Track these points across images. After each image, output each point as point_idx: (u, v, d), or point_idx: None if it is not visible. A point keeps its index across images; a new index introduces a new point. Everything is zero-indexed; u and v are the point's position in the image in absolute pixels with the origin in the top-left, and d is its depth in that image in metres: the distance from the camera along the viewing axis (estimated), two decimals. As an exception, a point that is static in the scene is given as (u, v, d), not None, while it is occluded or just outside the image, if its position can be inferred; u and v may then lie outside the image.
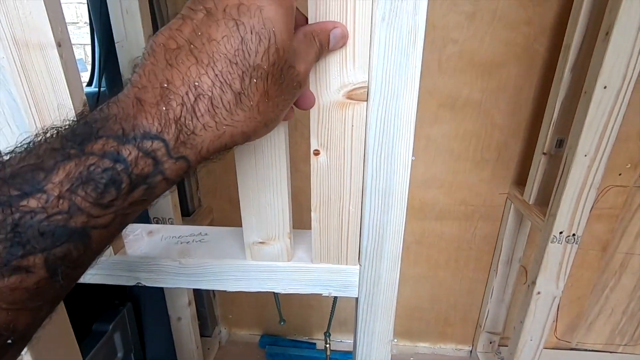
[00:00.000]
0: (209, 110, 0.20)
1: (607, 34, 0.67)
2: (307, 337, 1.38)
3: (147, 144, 0.19)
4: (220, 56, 0.20)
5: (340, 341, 1.35)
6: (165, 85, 0.20)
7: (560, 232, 0.84)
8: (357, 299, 0.38)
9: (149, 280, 0.39)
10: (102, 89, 0.99)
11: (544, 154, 0.90)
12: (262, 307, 1.33)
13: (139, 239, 0.42)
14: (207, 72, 0.20)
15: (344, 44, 0.27)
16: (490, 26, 0.92)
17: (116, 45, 0.75)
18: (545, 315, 0.93)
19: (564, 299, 1.19)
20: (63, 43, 0.30)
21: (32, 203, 0.17)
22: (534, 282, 0.91)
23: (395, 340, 1.35)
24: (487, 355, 1.27)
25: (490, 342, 1.27)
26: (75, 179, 0.18)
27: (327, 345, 0.87)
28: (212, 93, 0.20)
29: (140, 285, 0.40)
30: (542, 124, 0.91)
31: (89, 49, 1.17)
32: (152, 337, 1.12)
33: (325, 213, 0.34)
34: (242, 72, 0.20)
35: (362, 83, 0.29)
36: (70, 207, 0.18)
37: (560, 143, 0.88)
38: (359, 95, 0.29)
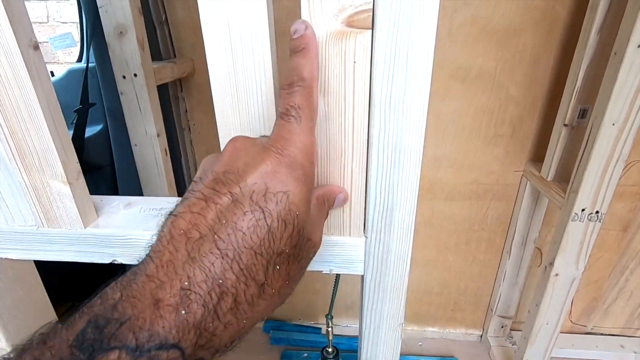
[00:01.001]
0: (231, 308, 0.19)
1: (643, -15, 0.60)
2: (312, 321, 1.35)
3: (163, 355, 0.17)
4: (246, 249, 0.19)
5: (347, 326, 1.31)
6: (187, 283, 0.18)
7: (582, 210, 0.78)
8: (362, 276, 0.33)
9: (126, 257, 0.34)
10: (90, 64, 0.93)
11: (565, 125, 0.83)
12: (266, 292, 1.30)
13: (115, 211, 0.37)
14: (231, 268, 0.19)
15: (343, 205, 0.29)
16: (507, -13, 0.85)
17: (99, 10, 0.69)
18: (563, 298, 0.88)
19: (580, 281, 1.13)
20: None
21: None
22: (551, 264, 0.85)
23: (403, 324, 1.31)
24: (499, 340, 1.23)
25: (502, 327, 1.22)
26: None
27: (329, 329, 0.82)
28: (237, 290, 0.19)
29: (116, 262, 0.35)
30: (564, 93, 0.84)
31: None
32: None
33: (325, 172, 0.29)
34: (267, 262, 0.19)
35: (366, 5, 0.23)
36: None
37: (583, 113, 0.81)
38: (362, 21, 0.23)
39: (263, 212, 0.19)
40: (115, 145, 1.00)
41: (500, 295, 1.17)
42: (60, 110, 0.32)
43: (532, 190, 1.00)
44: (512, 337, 1.24)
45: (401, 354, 1.25)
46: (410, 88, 0.25)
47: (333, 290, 0.77)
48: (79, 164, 0.33)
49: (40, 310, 0.46)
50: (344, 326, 1.31)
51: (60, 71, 1.22)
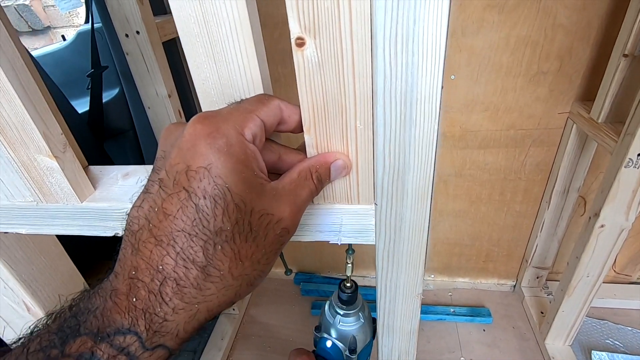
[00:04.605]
0: (176, 292, 0.19)
1: None
2: (341, 273, 1.37)
3: (120, 340, 0.18)
4: (178, 232, 0.19)
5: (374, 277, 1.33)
6: (134, 273, 0.19)
7: (639, 155, 0.68)
8: (375, 246, 0.30)
9: (127, 230, 0.33)
10: (95, 24, 0.90)
11: (625, 56, 0.71)
12: (296, 246, 1.32)
13: (112, 182, 0.35)
14: (168, 253, 0.19)
15: (347, 174, 0.26)
16: None
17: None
18: (607, 250, 0.82)
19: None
20: None
21: None
22: (597, 214, 0.78)
23: (433, 276, 1.31)
24: (533, 290, 1.20)
25: (537, 277, 1.18)
26: None
27: (350, 264, 0.81)
28: (177, 274, 0.19)
29: (118, 235, 0.34)
30: (626, 15, 0.70)
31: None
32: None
33: (323, 134, 0.24)
34: (204, 242, 0.19)
35: None
36: None
37: (649, 39, 0.68)
38: None
39: (187, 191, 0.19)
40: (133, 108, 0.99)
41: (537, 246, 1.11)
42: (36, 78, 0.29)
43: (579, 134, 0.90)
44: (547, 287, 1.20)
45: (430, 304, 1.25)
46: (421, 19, 0.20)
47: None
48: (63, 136, 0.31)
49: (67, 276, 0.47)
50: (372, 277, 1.33)
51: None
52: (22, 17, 2.16)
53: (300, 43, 0.21)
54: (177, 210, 0.19)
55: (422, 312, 1.22)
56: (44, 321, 0.21)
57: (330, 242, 0.29)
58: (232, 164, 0.19)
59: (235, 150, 0.20)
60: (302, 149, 0.26)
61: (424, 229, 0.27)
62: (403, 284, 0.31)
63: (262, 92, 0.24)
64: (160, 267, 0.19)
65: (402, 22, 0.20)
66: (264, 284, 1.39)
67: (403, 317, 0.33)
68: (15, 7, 2.14)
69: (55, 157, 0.30)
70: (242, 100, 0.22)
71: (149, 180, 0.21)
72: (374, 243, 0.29)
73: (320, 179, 0.24)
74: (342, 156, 0.25)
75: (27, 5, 2.16)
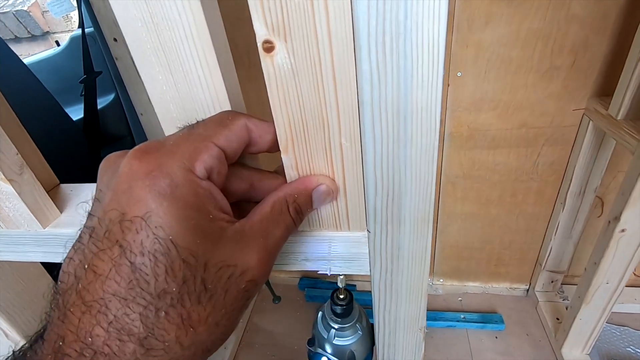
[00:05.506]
0: None
1: None
2: (348, 279, 1.33)
3: None
4: (110, 297, 0.15)
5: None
6: (60, 344, 0.16)
7: (663, 154, 0.63)
8: (371, 276, 0.26)
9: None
10: (87, 29, 0.87)
11: (647, 47, 0.65)
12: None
13: (82, 205, 0.32)
14: (99, 322, 0.15)
15: (332, 200, 0.22)
16: None
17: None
18: (629, 256, 0.76)
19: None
20: None
21: None
22: (617, 218, 0.73)
23: (441, 280, 1.26)
24: (548, 294, 1.14)
25: (552, 281, 1.13)
26: None
27: (342, 276, 0.77)
28: (110, 348, 0.15)
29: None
30: (647, 3, 0.65)
31: None
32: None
33: (303, 153, 0.21)
34: (143, 308, 0.15)
35: None
36: None
37: (674, 28, 0.62)
38: None
39: (121, 247, 0.15)
40: (129, 114, 0.97)
41: (551, 249, 1.06)
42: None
43: (596, 132, 0.84)
44: (562, 292, 1.14)
45: (439, 310, 1.19)
46: (414, 12, 0.16)
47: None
48: (19, 156, 0.28)
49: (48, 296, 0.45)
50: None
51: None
52: (21, 22, 2.16)
53: (269, 47, 0.18)
54: (109, 270, 0.15)
55: (430, 319, 1.17)
56: None
57: (319, 272, 0.26)
58: (178, 209, 0.16)
59: (182, 192, 0.16)
60: (280, 171, 0.22)
61: (425, 258, 0.24)
62: (403, 317, 0.27)
63: (228, 107, 0.20)
64: (90, 339, 0.15)
65: (390, 18, 0.16)
66: (267, 290, 1.37)
67: (405, 351, 0.30)
68: (13, 13, 2.14)
69: (9, 180, 0.27)
70: (197, 123, 0.18)
71: (83, 226, 0.17)
72: (368, 273, 0.25)
73: (300, 210, 0.20)
74: (326, 180, 0.21)
75: (25, 11, 2.16)
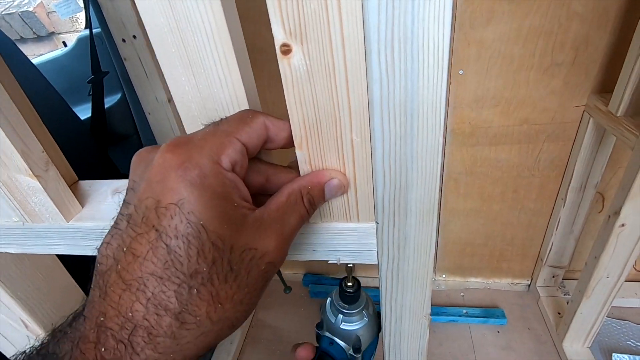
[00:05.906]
0: (148, 343, 0.17)
1: None
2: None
3: None
4: (148, 276, 0.17)
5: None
6: (102, 319, 0.17)
7: (663, 149, 0.64)
8: (378, 266, 0.27)
9: (116, 250, 0.31)
10: (95, 29, 0.89)
11: (646, 44, 0.66)
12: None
13: (101, 199, 0.34)
14: (138, 299, 0.17)
15: (343, 193, 0.23)
16: None
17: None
18: (628, 250, 0.78)
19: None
20: None
21: None
22: (617, 213, 0.74)
23: (444, 276, 1.28)
24: (549, 289, 1.16)
25: (554, 276, 1.14)
26: None
27: (351, 265, 0.79)
28: (148, 322, 0.17)
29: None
30: (647, 1, 0.66)
31: None
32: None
33: (317, 149, 0.22)
34: (177, 286, 0.17)
35: None
36: None
37: (673, 26, 0.63)
38: None
39: (157, 231, 0.17)
40: (135, 113, 0.99)
41: (553, 245, 1.07)
42: (13, 93, 0.27)
43: (596, 128, 0.85)
44: (564, 287, 1.16)
45: (442, 305, 1.21)
46: (421, 17, 0.17)
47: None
48: (45, 154, 0.29)
49: (65, 290, 0.46)
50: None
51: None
52: (26, 23, 2.18)
53: (286, 50, 0.19)
54: (147, 252, 0.17)
55: (433, 314, 1.19)
56: None
57: (329, 262, 0.27)
58: (207, 197, 0.17)
59: (211, 181, 0.18)
60: (294, 165, 0.23)
61: (429, 248, 0.25)
62: (409, 304, 0.28)
63: (246, 106, 0.21)
64: (130, 314, 0.17)
65: (398, 23, 0.17)
66: (272, 286, 1.38)
67: (410, 337, 0.31)
68: (19, 14, 2.16)
69: (36, 176, 0.28)
70: (221, 120, 0.20)
71: (119, 213, 0.19)
72: (376, 263, 0.27)
73: (313, 201, 0.22)
74: (338, 174, 0.22)
75: (31, 12, 2.18)
